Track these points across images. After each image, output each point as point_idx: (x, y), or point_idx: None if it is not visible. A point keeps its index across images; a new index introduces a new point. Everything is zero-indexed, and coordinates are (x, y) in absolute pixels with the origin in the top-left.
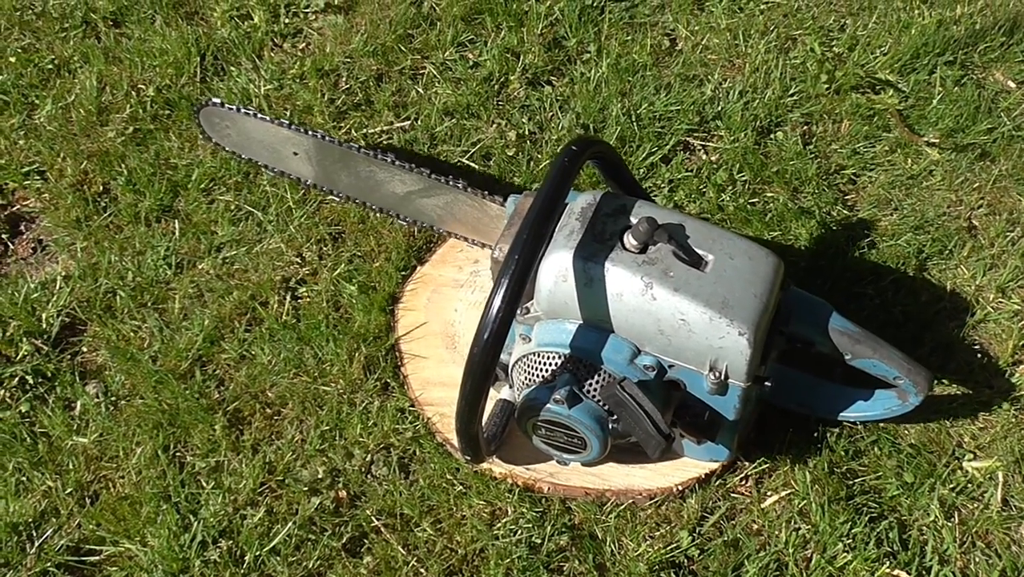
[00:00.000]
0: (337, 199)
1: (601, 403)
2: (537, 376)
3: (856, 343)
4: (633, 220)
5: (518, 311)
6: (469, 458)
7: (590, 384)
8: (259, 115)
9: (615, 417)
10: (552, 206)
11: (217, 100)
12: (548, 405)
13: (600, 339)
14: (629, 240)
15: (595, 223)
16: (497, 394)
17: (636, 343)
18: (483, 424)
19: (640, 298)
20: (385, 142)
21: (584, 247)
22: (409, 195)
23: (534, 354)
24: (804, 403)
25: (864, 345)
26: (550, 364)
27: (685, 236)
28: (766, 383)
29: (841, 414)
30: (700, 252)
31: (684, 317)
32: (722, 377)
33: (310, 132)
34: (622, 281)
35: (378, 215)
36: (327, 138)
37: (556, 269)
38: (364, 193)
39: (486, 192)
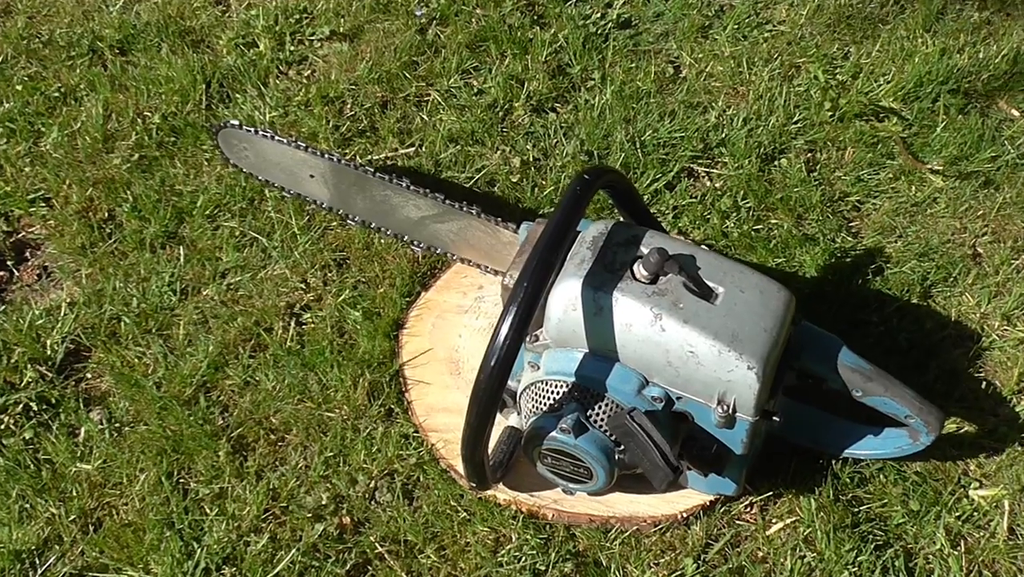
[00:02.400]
0: (352, 223)
1: (608, 433)
2: (544, 404)
3: (867, 380)
4: (644, 250)
5: (528, 338)
6: (475, 485)
7: (597, 414)
8: (276, 137)
9: (622, 448)
10: (562, 235)
11: (235, 122)
12: (554, 434)
13: (608, 369)
14: (639, 270)
15: (606, 252)
16: (506, 421)
17: (644, 374)
18: (490, 451)
19: (649, 329)
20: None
21: (594, 276)
22: (423, 220)
23: (542, 382)
24: (814, 439)
25: (875, 383)
26: (557, 392)
27: (696, 268)
28: (774, 418)
29: (851, 451)
30: (711, 284)
31: (693, 349)
32: (730, 411)
33: (326, 155)
34: (631, 311)
35: (392, 240)
36: (343, 161)
37: (566, 298)
38: (379, 217)
39: (499, 219)
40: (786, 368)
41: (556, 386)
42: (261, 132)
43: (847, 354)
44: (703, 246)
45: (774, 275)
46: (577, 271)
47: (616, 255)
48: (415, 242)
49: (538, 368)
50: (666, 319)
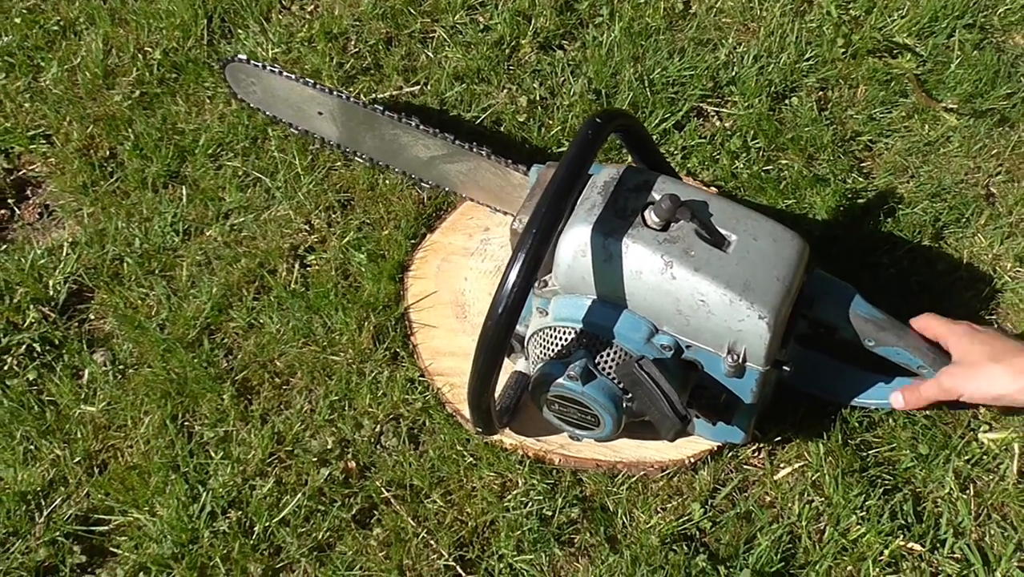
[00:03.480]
0: (361, 160)
1: (617, 381)
2: (552, 350)
3: (880, 330)
4: (656, 196)
5: (536, 284)
6: (480, 430)
7: (605, 361)
8: (284, 73)
9: (630, 396)
10: (572, 181)
11: (243, 56)
12: (562, 381)
13: (617, 316)
14: (651, 217)
15: (617, 198)
16: (514, 365)
17: (654, 322)
18: (497, 395)
19: (659, 277)
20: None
21: (604, 222)
22: (432, 160)
23: (550, 328)
24: (824, 388)
25: (888, 332)
26: (565, 339)
27: (708, 215)
28: (784, 368)
29: (861, 400)
30: (723, 232)
31: (704, 298)
32: (740, 360)
33: (335, 92)
34: (642, 259)
35: (400, 178)
36: (352, 99)
37: (575, 244)
38: (387, 156)
39: (509, 160)
40: (798, 317)
41: (564, 333)
42: (269, 67)
43: (860, 303)
44: (715, 191)
45: (786, 219)
46: (587, 217)
47: (627, 201)
48: (423, 180)
49: (546, 314)
50: (677, 267)
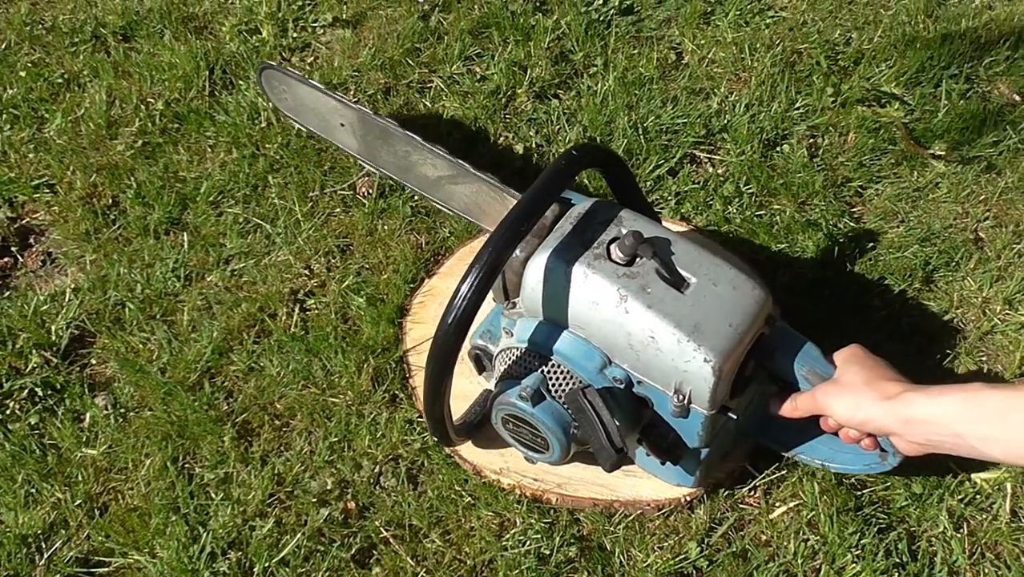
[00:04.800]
0: (377, 171)
1: (565, 406)
2: (512, 370)
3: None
4: (623, 231)
5: (506, 305)
6: (438, 439)
7: (557, 386)
8: (311, 82)
9: (577, 423)
10: (534, 205)
11: (274, 63)
12: (513, 399)
13: (573, 344)
14: (615, 251)
15: (586, 229)
16: (486, 383)
17: (608, 353)
18: (464, 411)
19: (614, 309)
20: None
21: (570, 251)
22: (440, 179)
23: (513, 349)
24: (783, 443)
25: None
26: (524, 360)
27: (671, 255)
28: (731, 414)
29: (821, 461)
30: (684, 273)
31: (654, 335)
32: (685, 401)
33: (356, 106)
34: (599, 290)
35: (414, 198)
36: (371, 114)
37: (540, 269)
38: (400, 172)
39: (508, 187)
40: (755, 368)
41: (524, 354)
42: (297, 78)
43: (818, 361)
44: (690, 233)
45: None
46: (555, 244)
47: (595, 233)
48: (433, 199)
49: (512, 335)
50: (631, 301)
